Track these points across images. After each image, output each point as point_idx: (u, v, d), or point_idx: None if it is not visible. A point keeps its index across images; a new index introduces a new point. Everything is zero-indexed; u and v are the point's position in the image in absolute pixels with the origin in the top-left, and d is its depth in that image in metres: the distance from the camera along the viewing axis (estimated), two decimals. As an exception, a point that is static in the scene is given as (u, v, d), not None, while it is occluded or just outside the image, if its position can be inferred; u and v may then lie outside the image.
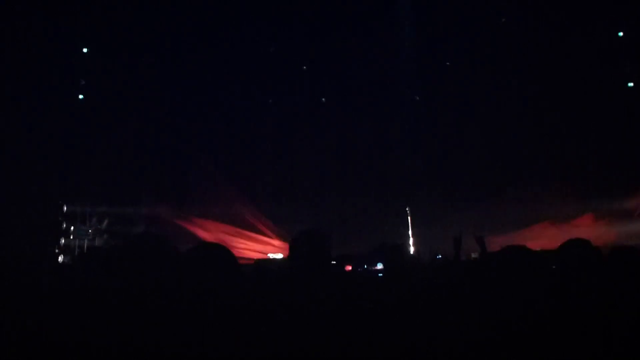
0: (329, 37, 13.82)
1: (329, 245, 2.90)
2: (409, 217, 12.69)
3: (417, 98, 14.47)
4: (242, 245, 13.04)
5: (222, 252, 2.74)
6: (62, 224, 12.06)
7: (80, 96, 13.30)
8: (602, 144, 12.71)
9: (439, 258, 9.49)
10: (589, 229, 12.29)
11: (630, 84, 13.19)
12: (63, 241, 11.90)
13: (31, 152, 11.32)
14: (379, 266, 3.79)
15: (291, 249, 2.87)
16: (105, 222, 12.60)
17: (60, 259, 11.50)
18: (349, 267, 4.52)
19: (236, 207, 13.70)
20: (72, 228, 12.04)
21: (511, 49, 13.29)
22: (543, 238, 12.23)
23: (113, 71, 12.77)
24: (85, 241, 12.01)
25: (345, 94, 14.40)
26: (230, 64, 13.68)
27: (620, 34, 13.07)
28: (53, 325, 2.31)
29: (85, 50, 13.22)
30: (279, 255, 12.36)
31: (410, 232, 12.48)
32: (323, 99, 14.70)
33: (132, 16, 12.62)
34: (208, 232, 12.83)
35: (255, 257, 12.16)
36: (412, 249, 12.46)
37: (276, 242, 13.57)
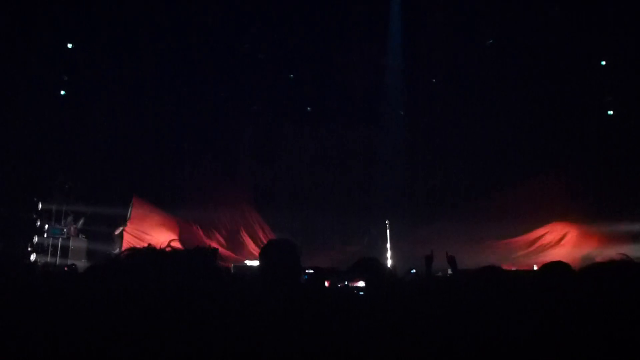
0: (316, 49, 13.88)
1: (298, 256, 2.87)
2: (387, 231, 12.67)
3: (402, 113, 14.58)
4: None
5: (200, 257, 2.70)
6: (36, 222, 11.83)
7: (62, 92, 13.12)
8: (578, 161, 12.95)
9: (413, 272, 9.54)
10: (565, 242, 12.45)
11: (610, 112, 13.46)
12: (37, 239, 11.66)
13: (6, 148, 11.13)
14: (361, 283, 3.71)
15: (260, 258, 2.85)
16: (82, 221, 12.38)
17: (33, 257, 11.27)
18: (328, 283, 4.40)
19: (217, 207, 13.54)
20: (46, 226, 11.81)
21: (494, 70, 13.49)
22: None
23: (94, 67, 12.65)
24: (60, 240, 11.79)
25: (331, 106, 14.46)
26: (215, 70, 13.66)
27: (603, 62, 13.34)
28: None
29: (69, 45, 13.06)
30: (256, 262, 12.25)
31: (388, 246, 12.48)
32: (308, 109, 14.72)
33: (115, 13, 12.51)
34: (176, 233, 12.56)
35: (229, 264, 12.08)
36: (389, 262, 12.47)
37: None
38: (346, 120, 14.41)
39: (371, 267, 3.74)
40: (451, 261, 6.47)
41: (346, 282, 4.58)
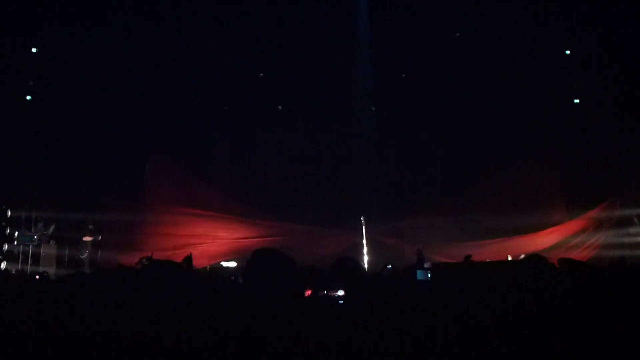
0: (285, 47, 13.86)
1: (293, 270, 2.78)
2: (363, 227, 12.75)
3: (373, 108, 14.65)
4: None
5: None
6: (5, 229, 11.60)
7: (28, 97, 12.89)
8: (559, 158, 13.19)
9: (389, 268, 9.62)
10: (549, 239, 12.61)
11: (576, 101, 13.74)
12: (6, 247, 11.44)
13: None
14: (340, 292, 3.66)
15: (248, 268, 2.74)
16: (52, 228, 12.19)
17: (3, 265, 11.06)
18: (309, 292, 4.28)
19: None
20: (16, 234, 11.59)
21: (462, 62, 13.65)
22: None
23: (61, 72, 12.44)
24: (30, 247, 11.59)
25: (302, 103, 14.45)
26: (185, 71, 13.56)
27: (567, 52, 13.61)
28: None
29: (34, 50, 12.82)
30: (233, 264, 12.22)
31: (364, 242, 12.57)
32: (279, 107, 14.69)
33: (83, 15, 12.32)
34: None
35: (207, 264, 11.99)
36: (365, 258, 12.55)
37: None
38: (318, 117, 14.41)
39: (349, 269, 3.60)
40: (419, 255, 6.62)
41: (325, 292, 4.52)
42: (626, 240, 12.00)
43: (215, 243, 12.79)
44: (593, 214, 12.42)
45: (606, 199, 12.44)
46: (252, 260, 2.74)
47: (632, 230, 12.10)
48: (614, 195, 12.40)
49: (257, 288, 2.68)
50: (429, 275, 7.73)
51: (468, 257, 7.36)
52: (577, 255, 11.27)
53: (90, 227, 12.04)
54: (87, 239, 11.99)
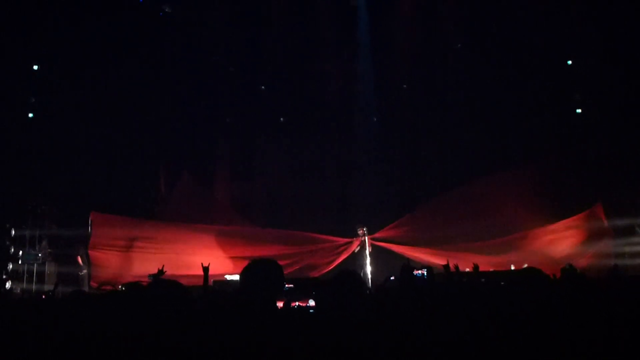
0: (287, 59, 13.92)
1: (281, 275, 2.85)
2: (366, 238, 12.71)
3: (375, 119, 14.70)
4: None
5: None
6: (10, 249, 11.61)
7: (30, 115, 12.95)
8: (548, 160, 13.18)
9: (392, 280, 9.59)
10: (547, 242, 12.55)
11: (579, 110, 13.76)
12: (11, 266, 11.45)
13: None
14: (311, 303, 3.64)
15: (242, 275, 2.79)
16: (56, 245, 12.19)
17: (8, 285, 11.06)
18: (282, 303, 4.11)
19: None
20: (20, 252, 11.60)
21: (463, 72, 13.69)
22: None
23: (62, 89, 12.49)
24: (35, 266, 11.60)
25: (304, 116, 14.51)
26: (186, 84, 13.60)
27: (569, 62, 13.64)
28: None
29: (35, 67, 12.89)
30: (237, 277, 12.15)
31: (367, 252, 12.53)
32: (282, 119, 14.74)
33: (82, 32, 12.37)
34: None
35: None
36: (368, 269, 12.50)
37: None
38: (320, 129, 14.47)
39: (352, 282, 3.69)
40: (404, 268, 6.61)
41: (297, 303, 4.48)
42: (622, 249, 11.95)
43: (217, 259, 12.76)
44: (579, 218, 12.42)
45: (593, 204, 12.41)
46: (246, 269, 2.82)
47: (630, 239, 12.02)
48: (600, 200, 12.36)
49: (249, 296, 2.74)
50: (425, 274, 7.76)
51: (476, 267, 7.30)
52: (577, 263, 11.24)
53: (81, 250, 11.96)
54: (79, 258, 11.96)
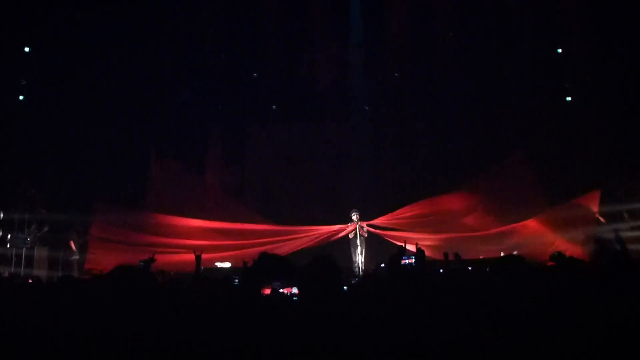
0: (280, 47, 13.84)
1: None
2: (357, 222, 12.64)
3: (367, 108, 14.67)
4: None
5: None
6: (-2, 232, 11.53)
7: (21, 97, 12.83)
8: (543, 158, 13.22)
9: (383, 267, 9.63)
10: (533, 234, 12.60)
11: (568, 98, 13.79)
12: (-1, 250, 11.37)
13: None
14: (294, 290, 3.58)
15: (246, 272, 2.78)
16: (45, 229, 12.10)
17: (-4, 268, 10.98)
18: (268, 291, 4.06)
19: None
20: (9, 236, 11.52)
21: (457, 62, 13.68)
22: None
23: (54, 71, 12.37)
24: (24, 250, 11.51)
25: (296, 104, 14.46)
26: (178, 71, 13.53)
27: (559, 50, 13.65)
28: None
29: (27, 49, 12.76)
30: (227, 264, 12.16)
31: (358, 241, 12.51)
32: (274, 107, 14.67)
33: (76, 16, 12.26)
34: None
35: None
36: (361, 258, 12.46)
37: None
38: (312, 117, 14.43)
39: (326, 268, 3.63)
40: (419, 253, 6.61)
41: (280, 290, 4.44)
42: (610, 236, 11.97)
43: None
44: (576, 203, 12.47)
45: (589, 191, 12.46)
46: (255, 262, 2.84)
47: (622, 225, 12.07)
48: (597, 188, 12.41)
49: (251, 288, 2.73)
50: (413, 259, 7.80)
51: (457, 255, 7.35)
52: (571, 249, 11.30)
53: (73, 235, 11.92)
54: (72, 243, 11.92)
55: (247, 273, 2.86)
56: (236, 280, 6.99)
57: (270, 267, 2.97)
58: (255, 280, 2.86)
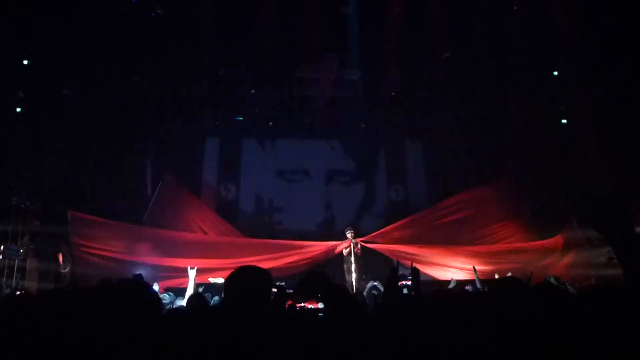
0: (277, 64, 13.93)
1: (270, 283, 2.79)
2: (352, 239, 12.58)
3: (363, 125, 14.76)
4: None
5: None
6: (-10, 243, 11.48)
7: (18, 109, 12.87)
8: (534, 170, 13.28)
9: (375, 285, 9.58)
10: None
11: (564, 121, 13.87)
12: (-8, 261, 11.31)
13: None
14: (320, 305, 3.55)
15: (227, 283, 2.73)
16: (38, 241, 12.06)
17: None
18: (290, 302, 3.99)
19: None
20: (1, 247, 11.47)
21: (451, 81, 13.81)
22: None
23: (50, 84, 12.43)
24: (16, 261, 11.46)
25: (292, 121, 14.56)
26: (175, 87, 13.62)
27: (555, 73, 13.76)
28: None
29: (25, 62, 12.82)
30: (220, 280, 12.06)
31: (352, 259, 12.45)
32: (270, 124, 14.75)
33: (72, 29, 12.32)
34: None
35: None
36: (354, 276, 12.39)
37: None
38: (307, 134, 14.52)
39: (321, 285, 3.61)
40: (414, 273, 6.53)
41: (303, 304, 4.36)
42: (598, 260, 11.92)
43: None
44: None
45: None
46: (232, 276, 2.76)
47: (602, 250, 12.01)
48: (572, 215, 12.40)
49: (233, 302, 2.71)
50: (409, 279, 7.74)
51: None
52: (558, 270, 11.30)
53: (63, 247, 11.80)
54: (60, 256, 11.83)
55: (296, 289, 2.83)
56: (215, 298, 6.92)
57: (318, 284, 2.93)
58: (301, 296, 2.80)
